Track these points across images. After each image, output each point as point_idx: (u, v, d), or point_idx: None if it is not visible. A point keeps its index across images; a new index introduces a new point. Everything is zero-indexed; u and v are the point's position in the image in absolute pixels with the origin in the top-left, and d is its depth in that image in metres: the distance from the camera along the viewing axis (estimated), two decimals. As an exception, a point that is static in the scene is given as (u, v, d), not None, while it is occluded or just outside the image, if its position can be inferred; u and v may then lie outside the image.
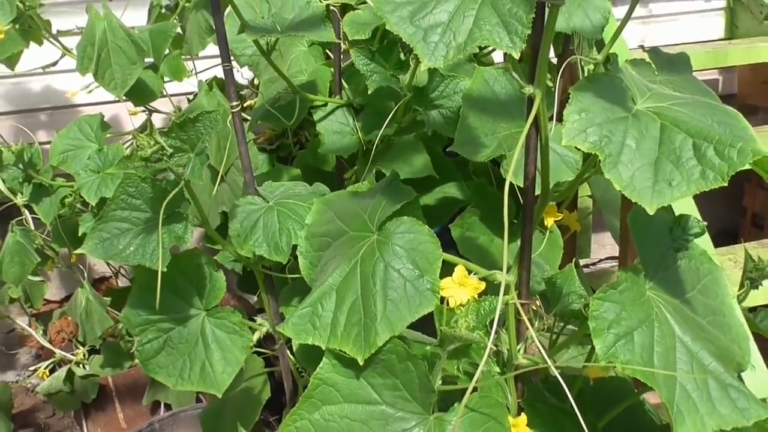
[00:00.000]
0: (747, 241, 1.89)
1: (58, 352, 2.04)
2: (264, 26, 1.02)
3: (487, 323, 0.83)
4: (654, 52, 1.31)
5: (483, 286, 0.87)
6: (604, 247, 2.76)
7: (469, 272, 0.90)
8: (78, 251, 0.97)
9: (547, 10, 0.78)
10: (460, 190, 1.46)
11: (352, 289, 0.88)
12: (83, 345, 1.96)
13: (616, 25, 1.29)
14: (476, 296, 0.86)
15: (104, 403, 2.02)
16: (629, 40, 2.52)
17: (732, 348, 0.92)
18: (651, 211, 0.72)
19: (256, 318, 1.77)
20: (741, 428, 0.79)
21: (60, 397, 1.92)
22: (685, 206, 1.42)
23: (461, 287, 0.87)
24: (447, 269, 0.90)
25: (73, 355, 2.02)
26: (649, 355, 0.80)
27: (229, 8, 1.05)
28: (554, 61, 1.49)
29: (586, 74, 1.39)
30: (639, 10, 1.61)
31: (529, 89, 0.78)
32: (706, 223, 0.96)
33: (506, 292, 0.94)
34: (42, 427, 2.13)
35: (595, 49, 1.50)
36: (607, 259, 2.80)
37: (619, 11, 1.24)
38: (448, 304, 0.85)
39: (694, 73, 1.32)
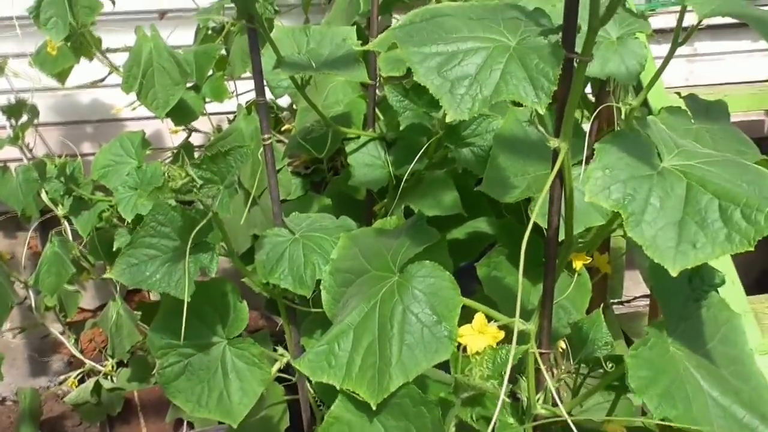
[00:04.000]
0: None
1: (88, 363, 2.09)
2: (299, 62, 1.04)
3: (504, 372, 0.82)
4: (691, 99, 1.30)
5: (502, 335, 0.87)
6: (639, 284, 2.70)
7: (489, 319, 0.90)
8: (107, 275, 1.00)
9: (575, 64, 0.78)
10: (491, 225, 1.45)
11: (369, 330, 0.88)
12: (112, 357, 2.00)
13: (656, 67, 1.28)
14: (494, 344, 0.85)
15: (129, 417, 2.05)
16: (673, 77, 2.49)
17: (754, 397, 0.90)
18: (674, 273, 0.70)
19: (281, 338, 1.79)
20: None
21: (86, 408, 1.96)
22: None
23: (480, 335, 0.87)
24: (466, 312, 0.90)
25: (102, 366, 2.06)
26: (690, 411, 0.80)
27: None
28: (591, 98, 1.48)
29: (623, 116, 1.38)
30: (684, 49, 1.59)
31: (554, 142, 0.78)
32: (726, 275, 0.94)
33: (526, 341, 0.93)
34: (68, 436, 2.17)
35: (632, 92, 1.49)
36: (642, 297, 2.74)
37: (664, 50, 1.23)
38: (464, 350, 0.84)
39: (739, 114, 1.30)
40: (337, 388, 0.88)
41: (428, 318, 0.86)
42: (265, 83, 1.05)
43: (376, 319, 0.89)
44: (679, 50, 1.18)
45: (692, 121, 1.23)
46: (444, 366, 0.98)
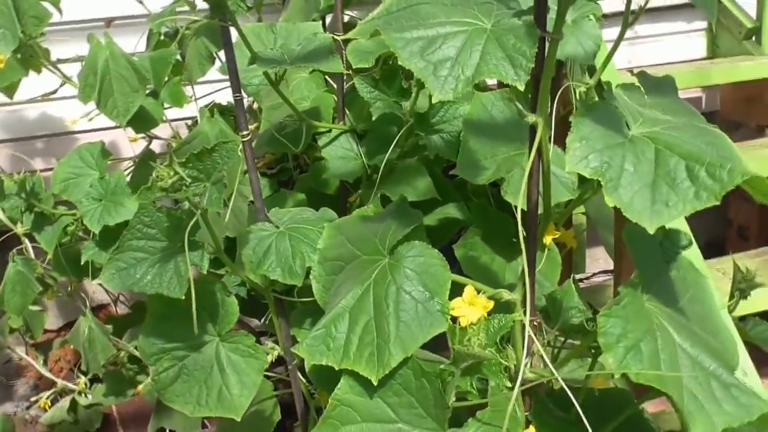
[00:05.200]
0: (734, 253, 1.94)
1: (60, 382, 2.04)
2: (273, 57, 1.06)
3: (497, 340, 0.87)
4: (642, 76, 1.37)
5: (492, 304, 0.91)
6: (597, 261, 2.81)
7: (478, 291, 0.94)
8: (96, 281, 1.00)
9: (547, 43, 0.83)
10: (460, 210, 1.50)
11: (365, 311, 0.91)
12: (85, 374, 1.96)
13: (607, 50, 1.35)
14: (486, 315, 0.89)
15: (109, 432, 2.02)
16: (617, 60, 2.60)
17: (722, 350, 0.97)
18: (651, 231, 0.76)
19: (260, 340, 1.80)
20: (747, 423, 0.84)
21: (63, 427, 1.91)
22: (675, 221, 1.47)
23: (471, 306, 0.91)
24: (454, 289, 0.94)
25: (74, 384, 2.02)
26: (657, 363, 0.84)
27: (235, 39, 1.09)
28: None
29: (578, 98, 1.45)
30: (626, 32, 1.67)
31: (531, 118, 0.83)
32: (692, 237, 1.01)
33: (512, 310, 0.98)
34: (43, 458, 2.12)
35: (587, 73, 1.56)
36: (600, 272, 2.86)
37: (609, 33, 1.30)
38: (459, 323, 0.88)
39: (679, 93, 1.38)
40: (336, 368, 0.91)
41: (421, 294, 0.90)
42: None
43: (371, 299, 0.92)
44: (622, 33, 1.26)
45: (645, 96, 1.30)
46: (434, 347, 1.02)
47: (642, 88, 1.34)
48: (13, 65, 1.81)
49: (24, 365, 2.31)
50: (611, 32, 1.33)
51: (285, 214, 1.17)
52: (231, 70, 1.01)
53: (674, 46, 2.56)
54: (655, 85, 1.37)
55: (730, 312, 1.21)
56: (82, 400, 1.92)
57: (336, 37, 1.12)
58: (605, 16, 2.24)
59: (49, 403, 2.01)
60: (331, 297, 1.01)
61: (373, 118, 1.26)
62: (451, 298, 0.92)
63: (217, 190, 0.93)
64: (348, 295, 0.93)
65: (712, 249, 2.33)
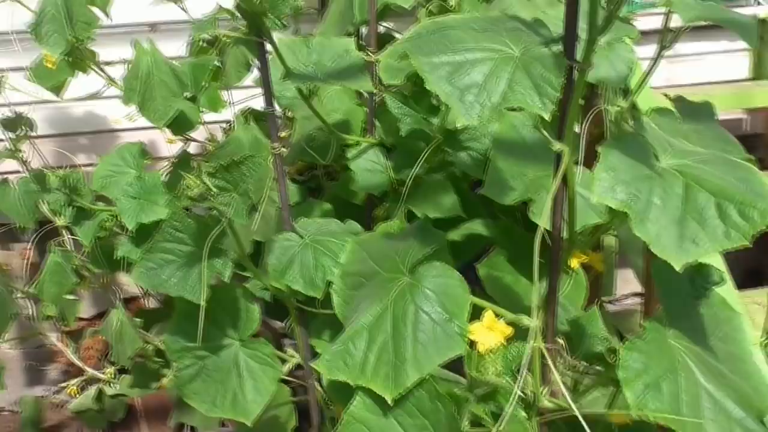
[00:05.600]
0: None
1: (89, 370, 2.10)
2: (306, 73, 1.08)
3: (514, 368, 0.86)
4: (679, 100, 1.35)
5: (511, 331, 0.90)
6: (628, 282, 2.76)
7: (497, 316, 0.94)
8: (128, 278, 1.02)
9: (576, 70, 0.82)
10: (486, 227, 1.49)
11: (383, 329, 0.92)
12: (113, 364, 2.01)
13: (643, 70, 1.32)
14: (503, 340, 0.89)
15: (131, 423, 2.06)
16: (655, 78, 2.55)
17: (753, 395, 0.94)
18: (678, 268, 0.75)
19: (282, 341, 1.82)
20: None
21: (89, 416, 1.97)
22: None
23: (490, 331, 0.91)
24: (474, 312, 0.93)
25: (102, 373, 2.07)
26: (677, 404, 0.82)
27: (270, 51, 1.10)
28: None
29: (612, 119, 1.43)
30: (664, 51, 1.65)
31: (557, 145, 0.82)
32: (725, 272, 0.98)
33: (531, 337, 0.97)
34: (69, 444, 2.18)
35: (620, 94, 1.54)
36: (631, 295, 2.80)
37: (647, 50, 1.28)
38: (476, 348, 0.88)
39: (720, 114, 1.35)
40: (352, 385, 0.91)
41: (440, 316, 0.90)
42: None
43: (390, 318, 0.92)
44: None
45: (680, 122, 1.28)
46: (450, 366, 1.02)
47: (677, 113, 1.32)
48: (62, 66, 1.87)
49: (56, 351, 2.38)
50: (649, 50, 1.31)
51: (311, 225, 1.18)
52: (265, 84, 1.03)
53: (716, 66, 2.49)
54: (692, 111, 1.35)
55: (764, 347, 1.17)
56: (109, 390, 1.97)
57: (367, 58, 1.13)
58: (644, 33, 2.20)
59: (77, 391, 2.06)
60: (351, 312, 1.02)
61: (402, 134, 1.26)
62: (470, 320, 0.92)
63: (243, 201, 0.95)
64: (367, 313, 0.94)
65: (752, 277, 2.27)
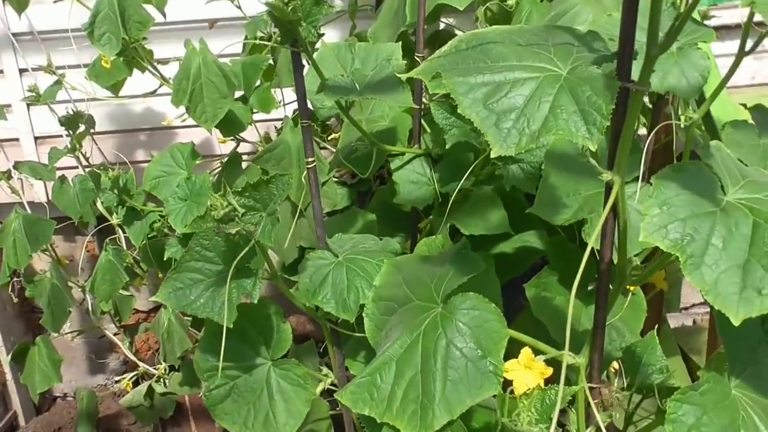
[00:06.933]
0: None
1: (142, 365, 2.14)
2: (343, 85, 1.02)
3: (551, 415, 0.79)
4: (758, 111, 1.22)
5: (550, 371, 0.83)
6: (697, 290, 2.59)
7: (536, 353, 0.87)
8: (153, 299, 1.01)
9: (631, 91, 0.73)
10: (540, 240, 1.41)
11: (411, 363, 0.86)
12: (164, 362, 2.04)
13: (718, 70, 1.19)
14: (542, 382, 0.82)
15: (180, 421, 2.09)
16: (737, 76, 2.36)
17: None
18: (736, 322, 0.66)
19: (323, 352, 1.79)
20: None
21: (140, 411, 2.01)
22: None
23: (527, 370, 0.84)
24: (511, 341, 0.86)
25: (155, 369, 2.11)
26: None
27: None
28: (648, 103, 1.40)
29: (682, 126, 1.30)
30: (748, 44, 1.49)
31: (607, 176, 0.74)
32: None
33: (576, 374, 0.89)
34: (124, 434, 2.24)
35: (693, 102, 1.41)
36: (701, 304, 2.63)
37: (728, 47, 1.14)
38: (511, 391, 0.81)
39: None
40: (378, 421, 0.87)
41: (473, 352, 0.84)
42: (309, 103, 1.03)
43: (419, 352, 0.87)
44: (746, 46, 1.11)
45: (759, 136, 1.16)
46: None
47: (756, 126, 1.20)
48: (119, 65, 1.89)
49: (116, 342, 2.45)
50: (730, 46, 1.18)
51: (347, 241, 1.14)
52: (299, 96, 0.99)
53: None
54: (774, 123, 1.22)
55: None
56: (158, 388, 2.00)
57: (403, 75, 1.07)
58: (727, 27, 2.01)
59: (131, 385, 2.11)
60: (383, 337, 0.96)
61: (447, 146, 1.19)
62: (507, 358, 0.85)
63: (271, 222, 0.91)
64: (396, 343, 0.89)
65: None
